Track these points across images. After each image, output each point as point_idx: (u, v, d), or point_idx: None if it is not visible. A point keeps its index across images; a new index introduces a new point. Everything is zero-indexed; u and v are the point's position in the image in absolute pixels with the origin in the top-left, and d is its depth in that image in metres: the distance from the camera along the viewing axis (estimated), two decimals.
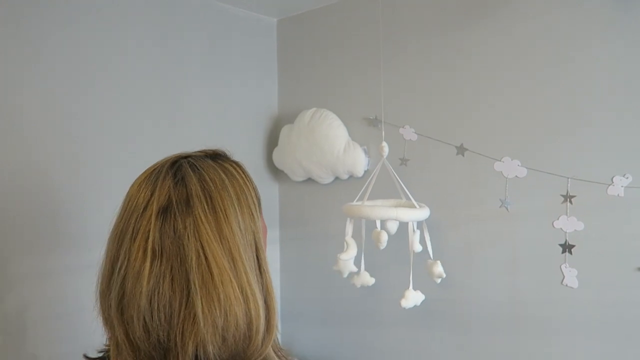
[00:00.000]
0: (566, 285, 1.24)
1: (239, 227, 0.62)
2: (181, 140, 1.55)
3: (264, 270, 0.64)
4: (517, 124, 1.31)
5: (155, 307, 0.58)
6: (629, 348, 1.17)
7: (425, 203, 1.33)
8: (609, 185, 1.17)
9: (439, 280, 1.26)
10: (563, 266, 1.24)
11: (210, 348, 0.57)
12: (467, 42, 1.40)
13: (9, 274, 1.21)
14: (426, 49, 1.48)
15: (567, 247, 1.23)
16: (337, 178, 1.67)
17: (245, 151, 1.81)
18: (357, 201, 1.34)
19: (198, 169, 0.64)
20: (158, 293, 0.58)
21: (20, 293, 1.22)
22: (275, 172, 1.88)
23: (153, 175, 0.64)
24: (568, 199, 1.22)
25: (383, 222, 1.36)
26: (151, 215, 0.60)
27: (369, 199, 1.38)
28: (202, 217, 0.60)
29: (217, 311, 0.57)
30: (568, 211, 1.23)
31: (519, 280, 1.32)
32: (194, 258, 0.58)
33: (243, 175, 0.68)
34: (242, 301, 0.59)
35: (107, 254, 0.63)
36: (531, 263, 1.30)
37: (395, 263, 1.28)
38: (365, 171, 1.58)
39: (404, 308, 1.25)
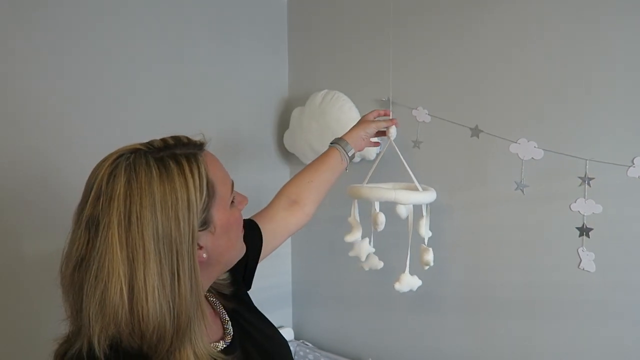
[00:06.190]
0: (583, 269, 1.21)
1: (155, 232, 0.65)
2: (189, 124, 1.54)
3: (180, 276, 0.66)
4: (533, 104, 1.27)
5: (70, 289, 0.66)
6: None
7: (439, 186, 1.30)
8: (630, 167, 1.13)
9: (426, 268, 1.24)
10: (580, 250, 1.21)
11: (95, 339, 0.63)
12: (481, 21, 1.35)
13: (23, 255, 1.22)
14: (440, 29, 1.44)
15: (584, 231, 1.20)
16: None
17: (255, 134, 1.79)
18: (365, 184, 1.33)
19: (131, 169, 0.67)
20: (74, 276, 0.66)
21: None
22: (286, 155, 1.86)
23: (99, 166, 0.69)
24: (586, 181, 1.19)
25: (395, 206, 1.34)
26: (89, 201, 0.66)
27: (382, 181, 1.36)
28: (115, 221, 0.64)
29: (94, 309, 0.63)
30: (586, 194, 1.20)
31: (534, 263, 1.30)
32: (97, 256, 0.64)
33: (187, 175, 0.68)
34: (127, 302, 0.63)
35: None
36: (547, 246, 1.27)
37: (406, 247, 1.26)
38: (377, 154, 1.56)
39: (399, 292, 1.24)
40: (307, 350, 1.75)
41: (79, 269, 0.65)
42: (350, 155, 1.21)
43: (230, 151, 1.70)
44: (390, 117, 1.33)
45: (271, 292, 1.86)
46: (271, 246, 1.06)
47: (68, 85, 1.30)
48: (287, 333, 1.83)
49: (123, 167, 0.66)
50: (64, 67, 1.29)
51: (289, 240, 1.91)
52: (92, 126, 1.34)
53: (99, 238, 0.64)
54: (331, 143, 1.22)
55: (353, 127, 1.27)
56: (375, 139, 1.33)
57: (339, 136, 1.24)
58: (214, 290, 0.88)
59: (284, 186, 1.14)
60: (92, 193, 0.66)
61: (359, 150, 1.25)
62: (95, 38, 1.34)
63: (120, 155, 0.69)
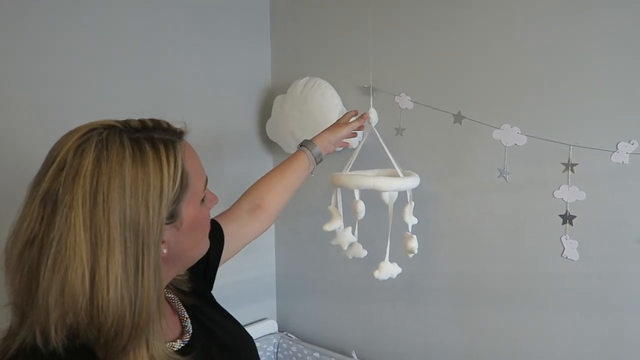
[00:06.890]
0: (566, 257, 1.20)
1: (122, 217, 0.60)
2: (170, 112, 1.50)
3: (144, 268, 0.61)
4: (517, 90, 1.25)
5: (17, 269, 0.60)
6: (629, 322, 1.13)
7: (421, 173, 1.28)
8: (613, 152, 1.11)
9: (410, 255, 1.22)
10: (563, 238, 1.20)
11: (52, 328, 0.58)
12: (463, 7, 1.32)
13: None
14: (422, 15, 1.41)
15: (567, 218, 1.19)
16: None
17: (237, 123, 1.76)
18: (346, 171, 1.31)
19: (102, 146, 0.61)
20: (22, 255, 0.60)
21: None
22: (269, 144, 1.83)
23: (66, 137, 0.63)
24: (570, 168, 1.17)
25: (381, 193, 1.32)
26: (48, 173, 0.60)
27: (368, 168, 1.33)
28: (80, 200, 0.58)
29: (53, 295, 0.58)
30: (569, 180, 1.18)
31: (517, 252, 1.28)
32: (56, 237, 0.58)
33: (162, 161, 0.63)
34: (88, 290, 0.58)
35: None
36: (530, 235, 1.25)
37: (394, 235, 1.24)
38: (359, 142, 1.53)
39: (378, 279, 1.23)
40: (291, 343, 1.72)
41: (30, 248, 0.59)
42: (317, 159, 1.20)
43: (212, 140, 1.66)
44: (361, 114, 1.33)
45: (255, 283, 1.84)
46: (233, 249, 1.02)
47: (53, 79, 1.26)
48: (271, 325, 1.80)
49: (94, 143, 0.61)
50: (41, 65, 1.25)
51: (273, 231, 1.88)
52: (77, 118, 1.30)
53: (58, 216, 0.58)
54: (299, 145, 1.21)
55: (325, 129, 1.27)
56: (346, 140, 1.34)
57: (309, 138, 1.23)
58: (172, 286, 0.83)
59: (249, 189, 1.12)
60: (54, 165, 0.60)
61: (326, 154, 1.25)
62: (76, 33, 1.32)
63: (93, 130, 0.63)
